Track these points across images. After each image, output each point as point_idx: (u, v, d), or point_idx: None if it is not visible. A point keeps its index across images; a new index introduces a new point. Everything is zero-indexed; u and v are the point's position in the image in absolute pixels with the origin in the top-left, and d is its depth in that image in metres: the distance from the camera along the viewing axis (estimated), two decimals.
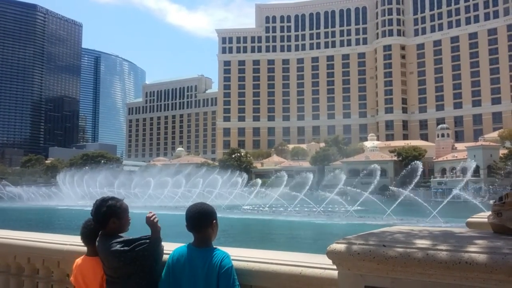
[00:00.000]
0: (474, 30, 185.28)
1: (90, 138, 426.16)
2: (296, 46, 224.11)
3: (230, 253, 3.88)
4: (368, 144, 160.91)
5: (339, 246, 2.72)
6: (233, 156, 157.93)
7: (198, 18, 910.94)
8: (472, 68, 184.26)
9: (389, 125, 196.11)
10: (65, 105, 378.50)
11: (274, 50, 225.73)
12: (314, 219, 45.17)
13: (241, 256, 3.90)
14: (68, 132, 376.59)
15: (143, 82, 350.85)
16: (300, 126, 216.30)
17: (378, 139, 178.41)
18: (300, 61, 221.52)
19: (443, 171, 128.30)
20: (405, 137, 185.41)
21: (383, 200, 55.59)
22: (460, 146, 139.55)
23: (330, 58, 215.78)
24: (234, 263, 3.78)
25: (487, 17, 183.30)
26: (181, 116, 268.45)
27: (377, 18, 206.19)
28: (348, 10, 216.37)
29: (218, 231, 4.08)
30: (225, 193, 77.44)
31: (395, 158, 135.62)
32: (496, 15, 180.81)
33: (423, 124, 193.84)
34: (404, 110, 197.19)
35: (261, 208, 64.78)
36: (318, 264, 3.45)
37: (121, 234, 4.26)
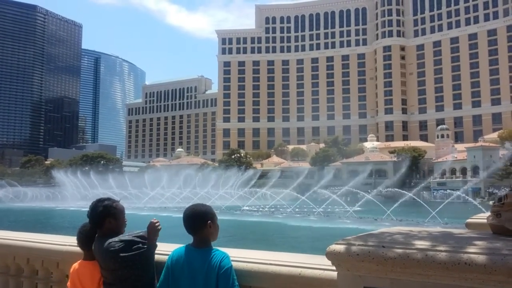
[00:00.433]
0: (474, 31, 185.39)
1: (90, 139, 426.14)
2: (296, 47, 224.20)
3: (230, 253, 3.88)
4: (368, 145, 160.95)
5: (338, 247, 2.72)
6: (233, 156, 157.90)
7: (198, 18, 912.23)
8: (472, 69, 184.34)
9: (388, 126, 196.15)
10: (65, 106, 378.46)
11: (274, 51, 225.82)
12: (313, 224, 45.13)
13: (240, 257, 3.89)
14: (68, 132, 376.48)
15: (143, 83, 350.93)
16: (300, 127, 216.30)
17: (377, 140, 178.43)
18: (300, 62, 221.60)
19: (443, 172, 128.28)
20: (405, 138, 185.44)
21: (383, 201, 55.59)
22: (460, 147, 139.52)
23: (330, 59, 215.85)
24: (234, 263, 3.78)
25: (486, 18, 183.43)
26: (181, 116, 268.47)
27: (377, 19, 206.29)
28: (348, 11, 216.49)
29: (218, 232, 4.08)
30: (227, 194, 77.44)
31: (395, 159, 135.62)
32: (495, 16, 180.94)
33: (423, 125, 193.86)
34: (404, 111, 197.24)
35: (260, 209, 64.80)
36: (318, 265, 3.45)
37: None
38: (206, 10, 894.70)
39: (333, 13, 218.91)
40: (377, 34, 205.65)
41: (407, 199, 53.42)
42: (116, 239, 4.07)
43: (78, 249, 4.68)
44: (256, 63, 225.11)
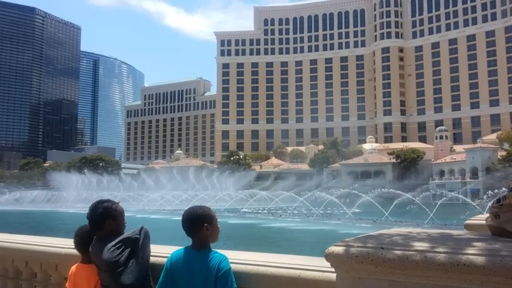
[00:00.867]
0: (472, 32, 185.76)
1: (89, 141, 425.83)
2: (294, 48, 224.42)
3: (228, 255, 3.88)
4: (366, 146, 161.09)
5: (338, 249, 2.71)
6: (232, 158, 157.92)
7: (196, 20, 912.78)
8: (470, 70, 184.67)
9: (387, 127, 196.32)
10: (64, 108, 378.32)
11: (273, 52, 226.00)
12: (312, 225, 45.12)
13: (239, 259, 3.89)
14: (67, 135, 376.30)
15: (142, 85, 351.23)
16: (298, 129, 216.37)
17: (376, 141, 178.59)
18: (299, 63, 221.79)
19: (442, 173, 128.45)
20: (404, 139, 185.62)
21: (382, 202, 55.58)
22: (458, 148, 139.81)
23: (328, 60, 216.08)
24: (232, 266, 3.78)
25: (485, 19, 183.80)
26: (180, 118, 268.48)
27: (375, 21, 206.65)
28: (346, 12, 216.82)
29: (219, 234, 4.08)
30: (226, 196, 77.42)
31: (394, 161, 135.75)
32: (494, 17, 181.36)
33: (422, 126, 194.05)
34: (403, 112, 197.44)
35: (259, 211, 64.78)
36: (317, 266, 3.44)
37: None
38: (205, 12, 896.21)
39: (331, 14, 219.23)
40: (375, 36, 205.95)
41: (406, 201, 53.44)
42: (115, 243, 4.05)
43: (76, 251, 4.68)
44: (255, 65, 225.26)
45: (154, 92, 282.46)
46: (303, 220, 50.99)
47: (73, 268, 4.51)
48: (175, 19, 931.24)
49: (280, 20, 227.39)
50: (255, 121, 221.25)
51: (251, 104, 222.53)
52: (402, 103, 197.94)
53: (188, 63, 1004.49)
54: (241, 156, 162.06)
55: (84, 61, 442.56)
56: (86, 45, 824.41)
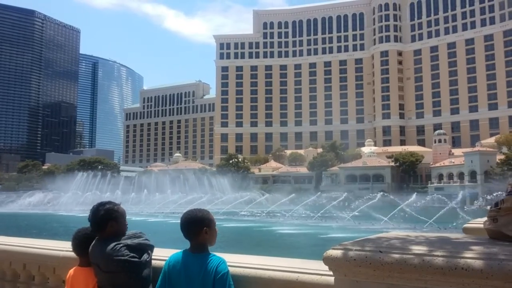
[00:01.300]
0: (471, 36, 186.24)
1: (87, 144, 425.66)
2: (293, 52, 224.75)
3: (226, 259, 3.88)
4: (365, 149, 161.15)
5: (336, 252, 2.71)
6: (231, 161, 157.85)
7: (196, 24, 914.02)
8: (468, 74, 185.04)
9: (386, 130, 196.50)
10: (63, 111, 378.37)
11: (272, 55, 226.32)
12: (311, 229, 45.09)
13: (237, 262, 3.90)
14: (65, 137, 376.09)
15: (141, 88, 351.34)
16: (297, 132, 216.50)
17: (375, 145, 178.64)
18: (298, 66, 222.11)
19: (440, 177, 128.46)
20: (403, 142, 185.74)
21: (380, 206, 55.55)
22: (457, 151, 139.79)
23: (327, 63, 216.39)
24: (230, 269, 3.78)
25: (483, 23, 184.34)
26: (179, 121, 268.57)
27: (374, 24, 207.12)
28: (345, 16, 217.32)
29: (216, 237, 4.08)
30: (225, 199, 77.35)
31: (393, 164, 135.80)
32: (492, 21, 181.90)
33: (420, 130, 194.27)
34: (401, 116, 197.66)
35: (258, 214, 64.73)
36: (315, 270, 3.45)
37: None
38: (204, 15, 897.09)
39: (330, 18, 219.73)
40: (374, 39, 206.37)
41: (405, 204, 53.47)
42: (123, 243, 4.06)
43: (74, 254, 4.67)
44: (254, 68, 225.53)
45: (153, 95, 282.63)
46: (302, 223, 50.98)
47: (71, 271, 4.49)
48: (174, 22, 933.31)
49: (279, 23, 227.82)
50: (254, 124, 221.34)
51: (250, 107, 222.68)
52: (401, 107, 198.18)
53: (187, 66, 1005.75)
54: (240, 159, 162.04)
55: (83, 64, 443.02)
56: (86, 48, 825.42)
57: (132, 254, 3.98)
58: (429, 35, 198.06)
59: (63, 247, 5.16)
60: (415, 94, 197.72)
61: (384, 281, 2.55)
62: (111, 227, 4.18)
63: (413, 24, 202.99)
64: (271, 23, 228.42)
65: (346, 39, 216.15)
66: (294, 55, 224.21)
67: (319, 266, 3.38)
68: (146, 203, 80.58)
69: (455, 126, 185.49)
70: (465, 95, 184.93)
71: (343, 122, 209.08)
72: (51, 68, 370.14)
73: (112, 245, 4.01)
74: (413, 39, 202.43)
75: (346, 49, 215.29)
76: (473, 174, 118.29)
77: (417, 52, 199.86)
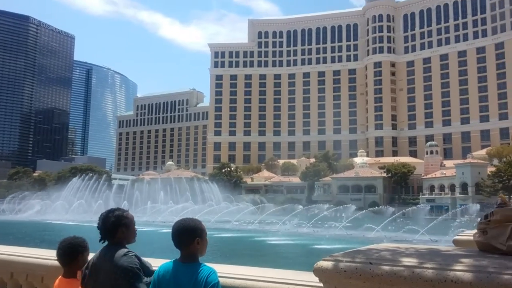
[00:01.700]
0: (463, 48, 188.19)
1: (79, 151, 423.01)
2: (288, 61, 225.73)
3: (217, 269, 3.85)
4: (358, 160, 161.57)
5: (326, 264, 2.70)
6: (223, 170, 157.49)
7: (191, 32, 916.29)
8: (460, 85, 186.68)
9: (378, 141, 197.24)
10: (55, 117, 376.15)
11: (266, 65, 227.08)
12: (302, 239, 44.96)
13: (227, 273, 3.87)
14: (57, 144, 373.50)
15: (135, 95, 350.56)
16: (290, 141, 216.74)
17: (367, 155, 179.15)
18: (292, 76, 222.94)
19: (432, 188, 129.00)
20: (395, 153, 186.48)
21: (372, 216, 55.64)
22: (448, 163, 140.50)
23: (321, 73, 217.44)
24: (221, 279, 3.76)
25: (475, 35, 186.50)
26: (172, 129, 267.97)
27: (368, 35, 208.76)
28: (340, 26, 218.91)
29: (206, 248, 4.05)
30: (216, 208, 77.08)
31: (385, 175, 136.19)
32: (484, 34, 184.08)
33: (412, 141, 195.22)
34: (394, 127, 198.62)
35: (250, 223, 64.51)
36: (305, 281, 3.43)
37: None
38: (199, 23, 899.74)
39: (325, 28, 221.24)
40: (368, 50, 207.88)
41: (396, 215, 53.59)
42: (134, 253, 4.05)
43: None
44: (248, 76, 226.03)
45: (147, 102, 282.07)
46: (293, 233, 50.85)
47: (56, 281, 4.45)
48: (169, 30, 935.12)
49: (274, 33, 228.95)
50: (247, 133, 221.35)
51: (243, 116, 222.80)
52: (394, 118, 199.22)
53: (181, 74, 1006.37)
54: (232, 168, 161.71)
55: (77, 71, 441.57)
56: (80, 54, 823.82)
57: (140, 264, 3.99)
58: (422, 47, 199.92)
59: (52, 256, 5.09)
60: (407, 105, 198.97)
61: None
62: (121, 233, 4.19)
63: (406, 36, 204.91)
64: (266, 33, 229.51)
65: (340, 50, 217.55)
66: (288, 64, 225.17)
67: (309, 278, 3.35)
68: (137, 211, 79.99)
69: (447, 138, 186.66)
70: (457, 107, 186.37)
71: (336, 132, 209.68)
72: (45, 74, 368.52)
73: (125, 250, 4.03)
74: (406, 50, 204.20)
75: (340, 60, 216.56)
76: (464, 186, 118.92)
77: (410, 64, 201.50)
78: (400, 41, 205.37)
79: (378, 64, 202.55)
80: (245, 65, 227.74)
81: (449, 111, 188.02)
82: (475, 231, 3.10)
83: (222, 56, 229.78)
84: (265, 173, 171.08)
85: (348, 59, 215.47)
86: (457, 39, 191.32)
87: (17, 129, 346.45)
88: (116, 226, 4.18)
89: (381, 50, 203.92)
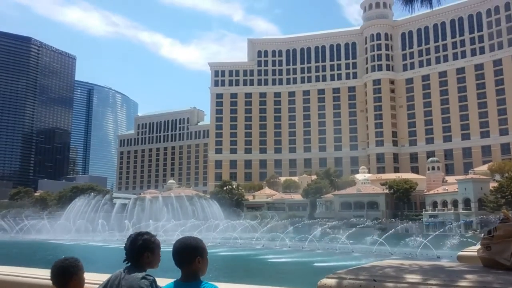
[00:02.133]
0: (462, 65, 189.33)
1: (81, 170, 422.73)
2: (287, 79, 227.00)
3: (219, 287, 3.80)
4: (359, 176, 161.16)
5: (330, 281, 2.65)
6: (225, 188, 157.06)
7: (191, 51, 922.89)
8: (460, 102, 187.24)
9: (380, 158, 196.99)
10: (56, 137, 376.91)
11: (266, 83, 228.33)
12: (304, 257, 44.56)
13: None
14: (59, 164, 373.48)
15: (136, 114, 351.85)
16: (291, 159, 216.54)
17: (369, 172, 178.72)
18: (292, 94, 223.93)
19: (435, 204, 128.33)
20: (396, 169, 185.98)
21: (375, 233, 55.22)
22: (450, 179, 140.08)
23: (321, 91, 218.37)
24: None
25: (473, 53, 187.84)
26: (173, 148, 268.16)
27: (366, 53, 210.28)
28: (338, 45, 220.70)
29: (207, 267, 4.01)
30: (217, 226, 76.65)
31: (387, 191, 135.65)
32: (482, 51, 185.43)
33: (414, 157, 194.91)
34: (395, 143, 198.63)
35: (252, 242, 64.04)
36: None
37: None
38: (200, 43, 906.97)
39: (323, 47, 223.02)
40: (367, 68, 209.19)
41: (398, 231, 53.24)
42: (153, 278, 4.02)
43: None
44: (248, 95, 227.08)
45: (148, 121, 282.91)
46: (296, 250, 50.42)
47: None
48: (170, 50, 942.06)
49: (274, 52, 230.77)
50: (248, 151, 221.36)
51: (244, 134, 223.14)
52: (394, 134, 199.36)
53: (182, 93, 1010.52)
54: (234, 186, 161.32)
55: (79, 91, 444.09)
56: (81, 74, 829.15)
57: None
58: (421, 64, 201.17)
59: (46, 275, 5.05)
60: (407, 121, 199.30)
61: None
62: (147, 257, 4.19)
63: (404, 54, 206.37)
64: (265, 52, 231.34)
65: (339, 68, 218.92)
66: (288, 82, 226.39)
67: None
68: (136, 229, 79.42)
69: (448, 154, 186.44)
70: (457, 123, 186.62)
71: (337, 149, 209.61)
72: (46, 95, 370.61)
73: (143, 274, 4.01)
74: (404, 68, 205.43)
75: (339, 77, 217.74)
76: (467, 202, 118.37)
77: (409, 81, 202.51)
78: (399, 59, 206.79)
79: (377, 82, 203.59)
80: (245, 84, 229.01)
81: (450, 127, 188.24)
82: (478, 246, 3.08)
83: (222, 75, 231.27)
84: (267, 190, 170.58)
85: (348, 77, 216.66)
86: (455, 57, 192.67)
87: (19, 149, 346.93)
88: (143, 251, 4.18)
89: (380, 68, 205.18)
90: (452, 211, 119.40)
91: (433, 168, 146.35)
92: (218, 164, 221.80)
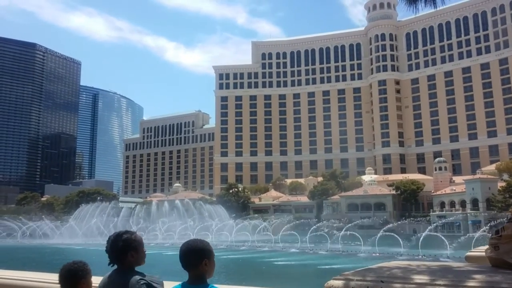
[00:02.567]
0: (467, 65, 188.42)
1: (87, 175, 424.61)
2: (292, 81, 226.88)
3: None
4: (366, 178, 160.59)
5: (337, 283, 2.65)
6: (231, 191, 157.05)
7: (195, 55, 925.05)
8: (466, 101, 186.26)
9: (386, 158, 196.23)
10: (62, 142, 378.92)
11: (271, 85, 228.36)
12: (311, 259, 44.44)
13: None
14: (65, 169, 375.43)
15: (141, 118, 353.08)
16: (297, 161, 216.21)
17: (376, 173, 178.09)
18: (297, 96, 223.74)
19: (442, 205, 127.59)
20: (403, 170, 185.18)
21: (382, 235, 54.95)
22: (458, 179, 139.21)
23: (326, 93, 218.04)
24: None
25: (479, 52, 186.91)
26: (178, 151, 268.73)
27: (371, 54, 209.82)
28: (343, 46, 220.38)
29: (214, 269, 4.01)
30: (226, 230, 76.74)
31: (394, 192, 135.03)
32: (488, 50, 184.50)
33: (420, 158, 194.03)
34: (401, 144, 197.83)
35: (259, 245, 63.97)
36: None
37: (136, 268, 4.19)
38: (204, 46, 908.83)
39: (328, 48, 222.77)
40: (372, 69, 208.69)
41: (407, 233, 52.97)
42: (146, 281, 3.99)
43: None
44: (253, 97, 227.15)
45: (153, 125, 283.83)
46: (303, 253, 50.29)
47: None
48: (174, 54, 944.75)
49: (278, 54, 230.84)
50: (254, 153, 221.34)
51: (249, 137, 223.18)
52: (400, 135, 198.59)
53: (187, 97, 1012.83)
54: (240, 189, 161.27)
55: (84, 95, 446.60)
56: (86, 79, 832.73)
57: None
58: (426, 64, 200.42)
59: (53, 280, 5.06)
60: (414, 122, 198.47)
61: None
62: (131, 257, 4.14)
63: (409, 54, 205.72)
64: (270, 54, 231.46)
65: (344, 69, 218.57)
66: (292, 84, 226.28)
67: None
68: (149, 233, 79.79)
69: (455, 154, 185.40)
70: (463, 123, 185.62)
71: (343, 150, 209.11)
72: (52, 100, 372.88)
73: (137, 277, 3.97)
74: (410, 68, 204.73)
75: (344, 79, 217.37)
76: (475, 202, 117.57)
77: (415, 81, 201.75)
78: (404, 59, 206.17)
79: (382, 82, 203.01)
80: (249, 86, 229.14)
81: (456, 127, 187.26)
82: (486, 246, 3.06)
83: (226, 78, 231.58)
84: (273, 192, 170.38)
85: (352, 78, 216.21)
86: (460, 56, 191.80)
87: (25, 155, 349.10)
88: (126, 251, 4.13)
89: (385, 69, 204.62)
90: (460, 212, 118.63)
91: (440, 169, 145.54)
92: (224, 167, 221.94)
